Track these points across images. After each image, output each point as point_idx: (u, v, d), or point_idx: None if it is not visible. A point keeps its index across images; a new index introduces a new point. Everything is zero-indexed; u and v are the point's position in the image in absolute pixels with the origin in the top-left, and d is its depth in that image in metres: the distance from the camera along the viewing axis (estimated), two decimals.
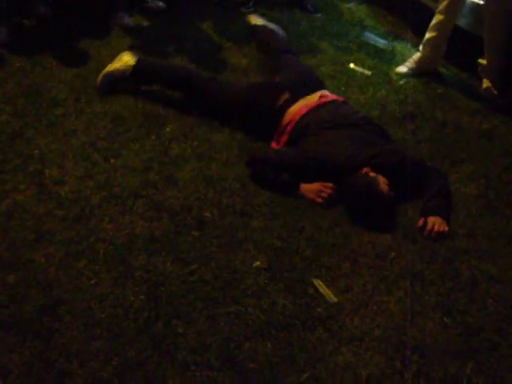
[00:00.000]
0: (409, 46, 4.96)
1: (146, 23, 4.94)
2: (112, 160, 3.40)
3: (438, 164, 3.62)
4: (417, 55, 4.56)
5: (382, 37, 5.04)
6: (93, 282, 2.71)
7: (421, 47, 4.53)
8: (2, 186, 3.20)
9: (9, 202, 3.11)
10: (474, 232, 3.20)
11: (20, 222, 3.00)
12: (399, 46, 4.93)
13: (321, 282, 2.80)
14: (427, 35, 4.44)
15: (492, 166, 3.69)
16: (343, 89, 4.23)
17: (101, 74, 3.96)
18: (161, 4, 5.14)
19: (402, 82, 4.41)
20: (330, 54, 4.68)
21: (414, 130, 3.91)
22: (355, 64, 4.57)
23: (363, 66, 4.55)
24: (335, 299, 2.73)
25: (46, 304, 2.59)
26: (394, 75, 4.49)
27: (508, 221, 3.30)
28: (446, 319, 2.70)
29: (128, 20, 4.82)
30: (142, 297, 2.65)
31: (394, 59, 4.72)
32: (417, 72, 4.51)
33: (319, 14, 5.29)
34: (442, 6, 4.30)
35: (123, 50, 4.40)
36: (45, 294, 2.63)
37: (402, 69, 4.54)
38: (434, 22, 4.38)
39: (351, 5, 5.62)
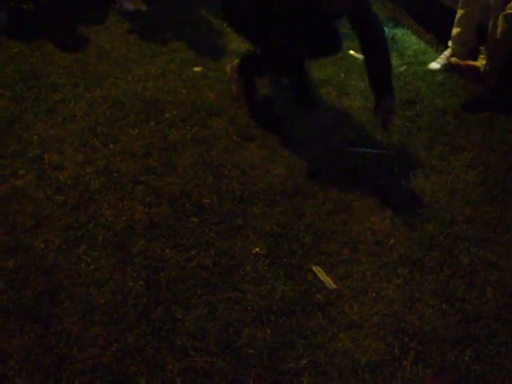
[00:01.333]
0: (409, 32, 4.94)
1: (145, 8, 4.92)
2: (111, 146, 3.40)
3: (437, 151, 3.61)
4: (448, 51, 4.50)
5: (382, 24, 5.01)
6: (92, 267, 2.71)
7: (450, 43, 4.49)
8: (1, 171, 3.21)
9: (8, 187, 3.11)
10: (474, 219, 3.20)
11: (19, 207, 3.00)
12: (399, 33, 4.91)
13: (320, 269, 2.80)
14: (454, 31, 4.39)
15: (492, 153, 3.68)
16: (343, 75, 4.22)
17: None
18: None
19: (401, 69, 4.39)
20: None
21: (414, 117, 3.90)
22: (355, 50, 4.55)
23: None
24: (334, 286, 2.73)
25: (46, 289, 2.60)
26: (393, 62, 4.46)
27: (507, 208, 3.30)
28: (444, 306, 2.70)
29: (127, 4, 4.79)
30: (141, 282, 2.66)
31: (395, 46, 4.70)
32: (449, 67, 4.47)
33: None
34: (461, 2, 4.27)
35: (122, 35, 4.41)
36: (44, 280, 2.64)
37: (435, 65, 4.49)
38: (457, 17, 4.35)
39: None
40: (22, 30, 4.42)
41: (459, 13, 4.32)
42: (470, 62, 4.16)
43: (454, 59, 4.21)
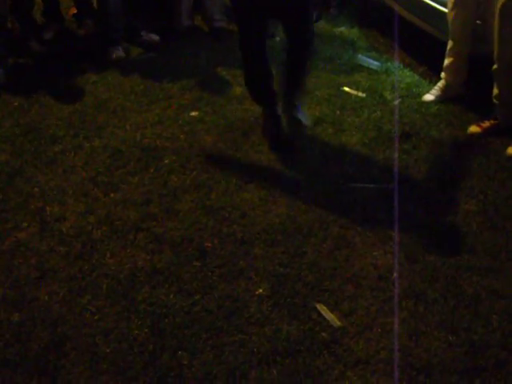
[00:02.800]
0: (402, 66, 4.99)
1: (141, 56, 5.00)
2: (112, 194, 3.43)
3: (435, 182, 3.63)
4: (442, 82, 4.52)
5: (374, 59, 5.08)
6: (97, 317, 2.72)
7: (442, 74, 4.53)
8: (4, 225, 3.23)
9: (11, 240, 3.14)
10: (476, 248, 3.20)
11: (23, 260, 3.02)
12: (392, 67, 4.96)
13: (324, 307, 2.80)
14: (445, 61, 4.43)
15: (490, 181, 3.70)
16: (338, 112, 4.26)
17: None
18: (155, 37, 5.20)
19: (396, 103, 4.44)
20: (323, 78, 4.71)
21: (411, 149, 3.92)
22: (349, 87, 4.60)
23: (357, 89, 4.58)
24: (339, 323, 2.73)
25: (51, 341, 2.60)
26: (387, 96, 4.52)
27: (509, 235, 3.30)
28: (450, 338, 2.69)
29: (120, 52, 4.85)
30: (146, 330, 2.66)
31: (388, 80, 4.75)
32: (444, 98, 4.48)
33: None
34: (451, 33, 4.32)
35: (119, 85, 4.47)
36: (49, 332, 2.65)
37: (429, 97, 4.52)
38: (448, 47, 4.39)
39: (343, 28, 5.67)
40: (20, 85, 4.48)
41: (449, 44, 4.37)
42: (487, 124, 4.15)
43: (470, 131, 4.16)
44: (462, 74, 4.46)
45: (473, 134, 4.13)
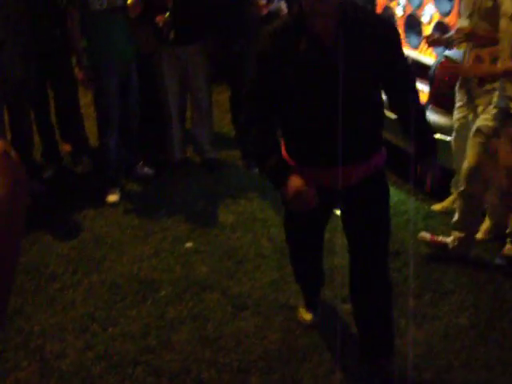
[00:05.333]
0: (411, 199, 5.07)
1: (136, 190, 5.17)
2: (110, 329, 3.50)
3: (427, 298, 3.70)
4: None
5: None
6: None
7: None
8: (4, 365, 3.28)
9: (11, 380, 3.18)
10: (470, 363, 3.24)
11: None
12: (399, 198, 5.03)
13: None
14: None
15: (480, 293, 3.77)
16: (328, 235, 4.34)
17: None
18: (148, 170, 5.36)
19: None
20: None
21: (401, 267, 4.01)
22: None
23: None
24: None
25: None
26: None
27: (502, 349, 3.35)
28: None
29: (115, 196, 4.94)
30: None
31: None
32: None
33: None
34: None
35: (116, 219, 4.62)
36: None
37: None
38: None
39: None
40: None
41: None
42: (438, 239, 4.22)
43: (420, 235, 4.29)
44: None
45: (420, 239, 4.27)
